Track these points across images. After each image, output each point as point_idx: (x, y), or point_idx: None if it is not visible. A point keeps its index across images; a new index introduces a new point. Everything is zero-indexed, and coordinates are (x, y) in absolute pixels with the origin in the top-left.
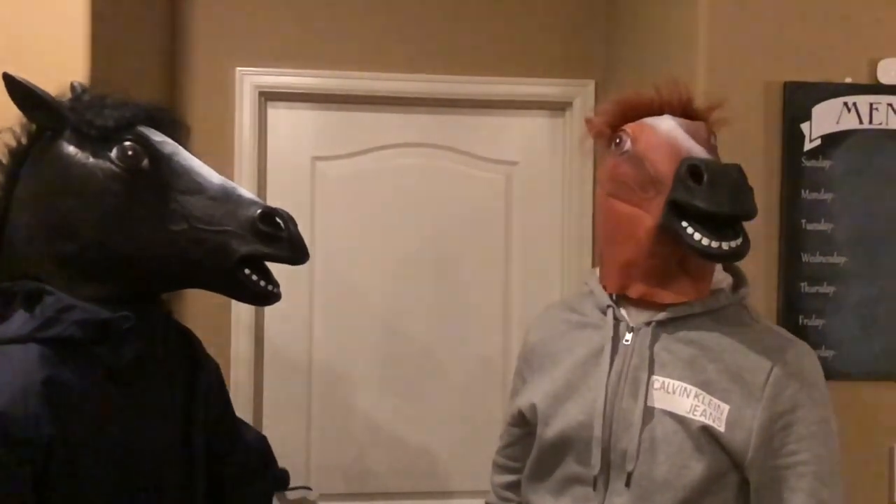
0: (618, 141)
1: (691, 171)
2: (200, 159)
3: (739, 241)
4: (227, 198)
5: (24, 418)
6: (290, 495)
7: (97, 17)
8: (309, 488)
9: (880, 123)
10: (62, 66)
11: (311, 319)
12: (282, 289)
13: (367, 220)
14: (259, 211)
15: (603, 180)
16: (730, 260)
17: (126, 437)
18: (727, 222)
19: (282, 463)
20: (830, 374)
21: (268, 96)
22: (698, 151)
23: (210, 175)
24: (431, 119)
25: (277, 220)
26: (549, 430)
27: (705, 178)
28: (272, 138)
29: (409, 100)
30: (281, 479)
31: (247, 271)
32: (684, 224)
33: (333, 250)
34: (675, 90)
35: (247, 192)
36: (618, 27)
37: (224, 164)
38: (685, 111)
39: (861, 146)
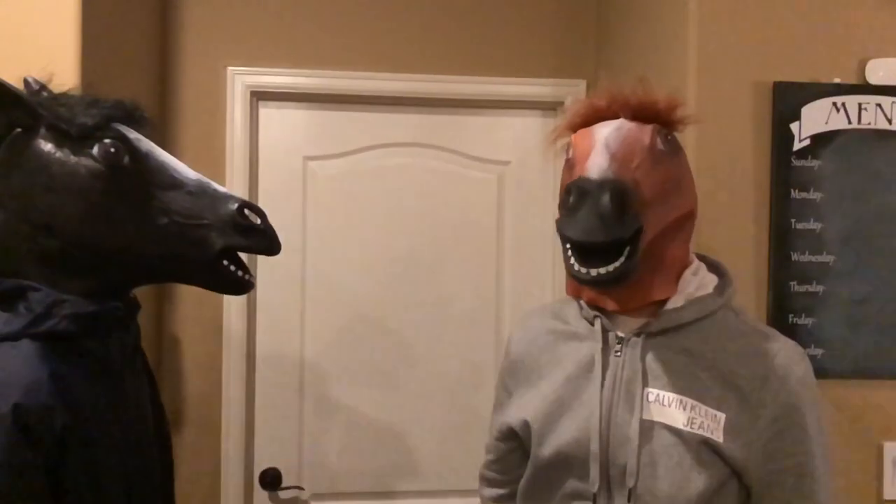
0: (567, 148)
1: (566, 193)
2: (194, 159)
3: (611, 267)
4: (204, 192)
5: (39, 409)
6: (283, 495)
7: (88, 16)
8: (301, 488)
9: (869, 123)
10: (52, 66)
11: (303, 318)
12: (273, 288)
13: (358, 220)
14: (237, 205)
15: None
16: (596, 287)
17: (123, 428)
18: (602, 247)
19: (274, 463)
20: (820, 372)
21: (259, 96)
22: (591, 168)
23: (185, 170)
24: (423, 119)
25: (254, 213)
26: (545, 449)
27: (570, 202)
28: (263, 138)
29: (400, 99)
30: None
31: (225, 262)
32: (567, 246)
33: (325, 250)
34: (626, 92)
35: (220, 186)
36: (608, 27)
37: (215, 163)
38: (638, 113)
39: (850, 146)
